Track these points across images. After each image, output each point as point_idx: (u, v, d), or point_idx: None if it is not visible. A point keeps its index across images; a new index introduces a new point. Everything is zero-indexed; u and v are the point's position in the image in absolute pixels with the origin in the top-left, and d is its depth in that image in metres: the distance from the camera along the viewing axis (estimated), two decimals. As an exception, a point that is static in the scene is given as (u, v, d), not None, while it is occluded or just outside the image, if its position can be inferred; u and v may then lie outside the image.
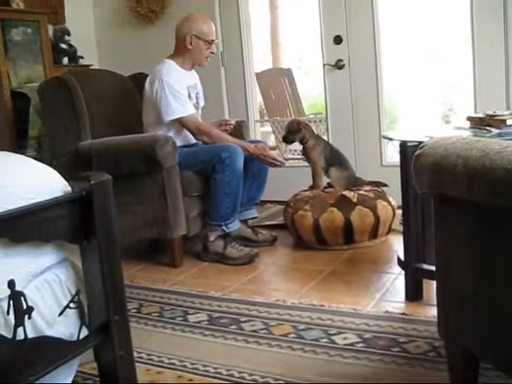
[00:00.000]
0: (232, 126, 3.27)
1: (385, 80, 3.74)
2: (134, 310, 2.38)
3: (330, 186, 3.27)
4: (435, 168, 1.40)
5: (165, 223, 2.86)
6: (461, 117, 2.87)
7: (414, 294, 2.28)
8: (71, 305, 1.40)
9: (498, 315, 1.34)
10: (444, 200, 1.46)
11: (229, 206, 2.94)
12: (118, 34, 4.42)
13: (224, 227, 2.97)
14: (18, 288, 1.24)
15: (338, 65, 3.77)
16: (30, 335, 1.27)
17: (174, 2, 4.19)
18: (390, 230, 3.14)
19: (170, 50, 3.18)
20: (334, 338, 1.99)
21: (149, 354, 1.97)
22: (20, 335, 1.24)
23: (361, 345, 1.92)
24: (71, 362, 1.45)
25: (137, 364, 1.58)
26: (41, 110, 3.41)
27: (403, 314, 2.14)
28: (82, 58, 4.27)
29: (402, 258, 2.31)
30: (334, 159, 3.25)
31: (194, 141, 3.17)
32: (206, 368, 1.86)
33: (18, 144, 3.63)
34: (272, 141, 5.62)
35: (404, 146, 2.17)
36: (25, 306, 1.25)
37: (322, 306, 2.27)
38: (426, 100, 5.80)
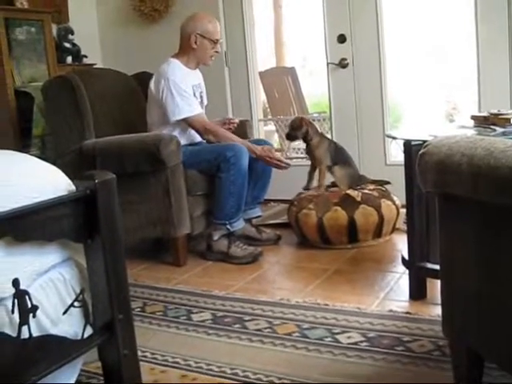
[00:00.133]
0: (236, 125, 3.27)
1: (389, 79, 3.74)
2: (138, 309, 2.38)
3: (333, 185, 3.26)
4: (440, 167, 1.40)
5: (169, 222, 2.85)
6: (465, 116, 2.87)
7: (418, 292, 2.27)
8: (75, 303, 1.40)
9: (502, 314, 1.33)
10: (448, 199, 1.45)
11: (233, 205, 2.94)
12: (122, 33, 4.42)
13: (228, 226, 2.97)
14: (22, 287, 1.24)
15: (342, 64, 3.76)
16: (35, 334, 1.28)
17: (177, 1, 4.18)
18: (394, 229, 3.14)
19: (173, 49, 3.18)
20: (338, 336, 1.99)
21: (153, 353, 1.97)
22: (25, 334, 1.25)
23: (365, 344, 1.92)
24: (75, 361, 1.45)
25: (141, 363, 1.58)
26: (45, 109, 3.42)
27: (407, 312, 2.14)
28: (85, 56, 4.27)
29: (406, 256, 2.31)
30: (339, 157, 3.23)
31: (198, 139, 3.17)
32: (210, 367, 1.86)
33: (21, 143, 3.64)
34: (276, 140, 5.61)
35: (408, 145, 2.16)
36: (29, 305, 1.25)
37: (326, 304, 2.27)
38: (430, 99, 5.79)
